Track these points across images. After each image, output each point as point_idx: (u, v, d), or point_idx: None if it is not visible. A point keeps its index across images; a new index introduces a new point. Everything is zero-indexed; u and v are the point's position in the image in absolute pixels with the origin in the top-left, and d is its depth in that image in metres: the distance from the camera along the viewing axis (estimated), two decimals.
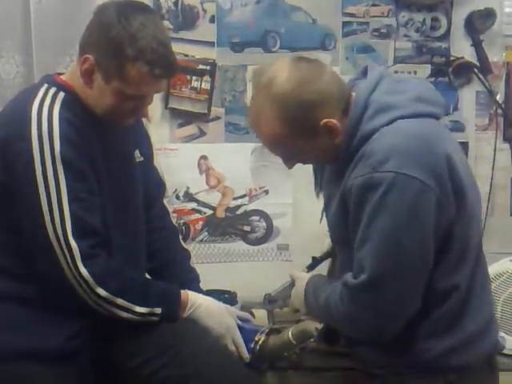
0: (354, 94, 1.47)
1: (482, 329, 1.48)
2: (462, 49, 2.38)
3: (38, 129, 1.50)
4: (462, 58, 2.37)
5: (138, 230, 1.74)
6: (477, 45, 2.36)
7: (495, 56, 2.39)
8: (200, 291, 1.78)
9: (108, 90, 1.54)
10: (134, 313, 1.58)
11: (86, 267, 1.52)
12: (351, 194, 1.40)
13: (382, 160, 1.35)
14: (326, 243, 1.83)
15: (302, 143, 1.46)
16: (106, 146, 1.62)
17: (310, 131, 1.44)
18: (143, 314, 1.59)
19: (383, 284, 1.38)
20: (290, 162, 1.56)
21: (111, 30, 1.50)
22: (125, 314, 1.57)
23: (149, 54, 1.49)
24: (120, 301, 1.56)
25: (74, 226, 1.51)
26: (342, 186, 1.45)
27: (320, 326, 1.61)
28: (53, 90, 1.57)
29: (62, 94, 1.57)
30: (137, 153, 1.76)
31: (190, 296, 1.68)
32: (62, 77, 1.63)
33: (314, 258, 1.87)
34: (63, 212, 1.50)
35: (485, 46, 2.36)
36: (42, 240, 1.51)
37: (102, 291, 1.54)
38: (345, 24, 2.37)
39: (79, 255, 1.51)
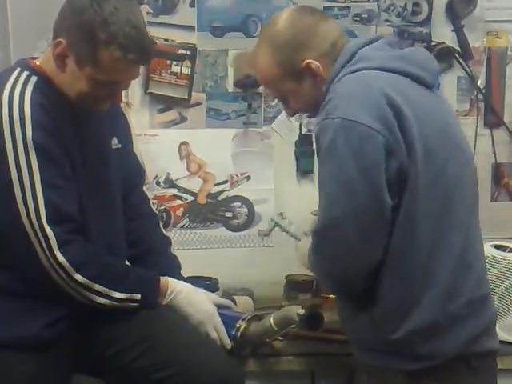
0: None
1: (454, 314, 1.43)
2: (443, 34, 2.37)
3: (9, 114, 1.48)
4: (443, 43, 2.36)
5: (116, 217, 1.72)
6: (458, 30, 2.36)
7: (476, 41, 2.39)
8: (181, 278, 1.78)
9: (81, 76, 1.52)
10: (113, 298, 1.57)
11: (62, 253, 1.50)
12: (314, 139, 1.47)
13: (333, 107, 1.39)
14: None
15: (290, 85, 1.52)
16: (80, 132, 1.60)
17: (295, 71, 1.50)
18: (122, 299, 1.58)
19: (336, 230, 1.39)
20: (285, 106, 1.60)
21: (83, 13, 1.48)
22: (103, 300, 1.57)
23: (121, 38, 1.47)
24: (98, 286, 1.55)
25: (49, 212, 1.49)
26: None
27: (302, 311, 1.61)
28: (25, 74, 1.55)
29: (34, 79, 1.55)
30: (114, 140, 1.74)
31: (170, 282, 1.67)
32: (36, 61, 1.61)
33: None
34: (37, 199, 1.49)
35: (466, 32, 2.36)
36: (17, 227, 1.50)
37: (79, 277, 1.53)
38: (326, 9, 2.34)
39: (55, 242, 1.50)
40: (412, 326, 1.42)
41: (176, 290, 1.67)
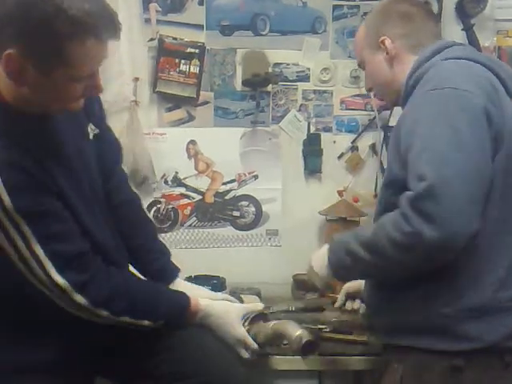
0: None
1: (502, 303, 1.44)
2: (453, 33, 2.35)
3: None
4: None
5: (108, 217, 1.63)
6: (468, 29, 2.34)
7: (486, 40, 2.37)
8: (175, 270, 1.74)
9: (50, 83, 1.31)
10: (140, 326, 1.54)
11: (83, 296, 1.43)
12: (404, 118, 1.50)
13: (440, 81, 1.48)
14: None
15: (367, 53, 1.67)
16: (53, 142, 1.45)
17: (373, 41, 1.64)
18: (150, 326, 1.55)
19: (446, 189, 1.35)
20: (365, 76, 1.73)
21: (30, 10, 1.23)
22: (131, 327, 1.53)
23: (86, 19, 1.25)
24: (125, 319, 1.51)
25: (55, 262, 1.40)
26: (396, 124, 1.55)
27: (299, 332, 1.58)
28: None
29: None
30: (90, 126, 1.58)
31: (201, 306, 1.62)
32: None
33: None
34: (38, 257, 1.39)
35: (476, 31, 2.34)
36: (31, 287, 1.42)
37: (103, 312, 1.47)
38: (335, 7, 2.34)
39: (71, 289, 1.42)
40: (463, 303, 1.43)
41: (206, 314, 1.61)
